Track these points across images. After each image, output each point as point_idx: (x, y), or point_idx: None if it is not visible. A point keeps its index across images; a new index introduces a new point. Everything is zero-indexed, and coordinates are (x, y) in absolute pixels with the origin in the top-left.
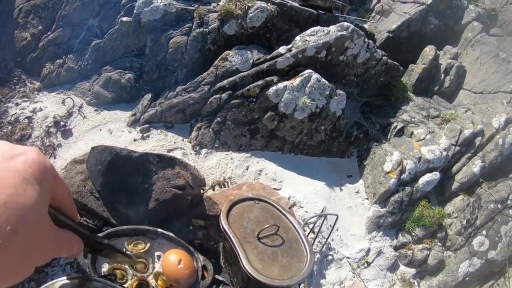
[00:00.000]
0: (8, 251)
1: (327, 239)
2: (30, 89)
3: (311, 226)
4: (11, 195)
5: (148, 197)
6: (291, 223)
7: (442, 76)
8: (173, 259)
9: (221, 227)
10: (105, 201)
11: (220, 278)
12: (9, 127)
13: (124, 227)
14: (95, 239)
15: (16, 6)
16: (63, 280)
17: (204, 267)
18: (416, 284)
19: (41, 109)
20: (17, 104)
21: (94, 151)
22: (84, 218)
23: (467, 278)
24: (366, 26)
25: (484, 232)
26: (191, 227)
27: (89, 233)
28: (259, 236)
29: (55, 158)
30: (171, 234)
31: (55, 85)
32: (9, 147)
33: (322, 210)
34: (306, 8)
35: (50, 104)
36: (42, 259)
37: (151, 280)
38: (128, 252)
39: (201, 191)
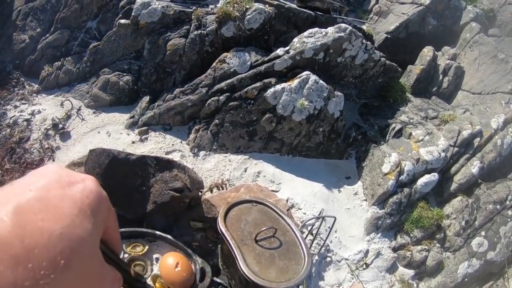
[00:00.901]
0: (58, 286)
1: (325, 241)
2: (28, 92)
3: (309, 228)
4: (67, 226)
5: (146, 200)
6: (289, 225)
7: (441, 77)
8: (170, 262)
9: (219, 230)
10: None
11: (218, 280)
12: (8, 130)
13: (122, 229)
14: (134, 277)
15: (15, 9)
16: None
17: (202, 270)
18: (415, 285)
19: (39, 112)
20: (15, 107)
21: (92, 154)
22: None
23: (466, 279)
24: (364, 27)
25: (483, 233)
26: (189, 230)
27: (130, 271)
28: (257, 238)
29: (53, 160)
30: (169, 236)
31: (54, 87)
32: (66, 173)
33: (320, 212)
34: (304, 10)
35: (49, 107)
36: None
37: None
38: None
39: (199, 193)
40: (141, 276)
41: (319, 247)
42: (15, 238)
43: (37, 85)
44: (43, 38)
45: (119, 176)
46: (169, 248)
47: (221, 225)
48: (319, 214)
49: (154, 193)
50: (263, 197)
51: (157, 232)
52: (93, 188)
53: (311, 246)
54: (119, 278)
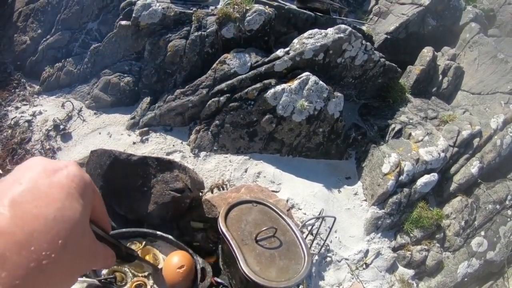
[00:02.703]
0: (60, 264)
1: (325, 241)
2: (29, 93)
3: (309, 228)
4: (59, 209)
5: (147, 200)
6: (289, 225)
7: (440, 77)
8: (175, 262)
9: (219, 230)
10: (105, 204)
11: (219, 280)
12: (9, 131)
13: (124, 230)
14: (126, 251)
15: (16, 10)
16: None
17: (203, 269)
18: (415, 285)
19: (40, 113)
20: (17, 108)
21: (94, 154)
22: None
23: (466, 279)
24: (364, 28)
25: (482, 233)
26: (190, 230)
27: (122, 246)
28: (257, 238)
29: None
30: (170, 236)
31: (55, 88)
32: (49, 162)
33: (320, 212)
34: (304, 11)
35: (50, 108)
36: (83, 270)
37: (149, 282)
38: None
39: (200, 194)
40: (132, 250)
41: (319, 247)
42: (15, 227)
43: (38, 86)
44: (44, 39)
45: (120, 177)
46: (170, 248)
47: (221, 225)
48: (319, 214)
49: (155, 193)
50: (264, 198)
51: (158, 232)
52: (76, 172)
53: (311, 246)
54: (111, 254)
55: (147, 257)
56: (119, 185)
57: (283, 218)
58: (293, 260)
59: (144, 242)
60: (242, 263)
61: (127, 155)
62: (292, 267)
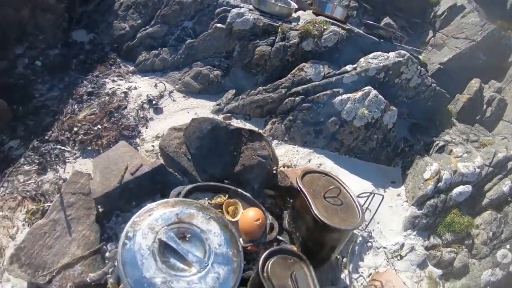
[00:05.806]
0: None
1: (375, 213)
2: (124, 71)
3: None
4: None
5: (235, 163)
6: (348, 193)
7: (485, 107)
8: (252, 215)
9: (297, 186)
10: (196, 163)
11: (280, 237)
12: (107, 97)
13: (210, 183)
14: None
15: (117, 0)
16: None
17: (271, 225)
18: (441, 284)
19: (135, 88)
20: (113, 81)
21: (195, 121)
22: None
23: (488, 286)
24: (420, 56)
25: (508, 246)
26: (262, 195)
27: None
28: (325, 195)
29: (146, 128)
30: (248, 195)
31: (148, 71)
32: None
33: (372, 191)
34: (370, 36)
35: (143, 85)
36: None
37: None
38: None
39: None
40: None
41: (367, 223)
42: None
43: (132, 67)
44: (143, 29)
45: (217, 141)
46: (247, 204)
47: (299, 183)
48: (369, 193)
49: (243, 157)
50: None
51: (239, 190)
52: None
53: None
54: None
55: (230, 208)
56: (213, 148)
57: (344, 187)
58: (350, 215)
59: (227, 196)
60: (314, 209)
61: (226, 123)
62: (350, 219)
